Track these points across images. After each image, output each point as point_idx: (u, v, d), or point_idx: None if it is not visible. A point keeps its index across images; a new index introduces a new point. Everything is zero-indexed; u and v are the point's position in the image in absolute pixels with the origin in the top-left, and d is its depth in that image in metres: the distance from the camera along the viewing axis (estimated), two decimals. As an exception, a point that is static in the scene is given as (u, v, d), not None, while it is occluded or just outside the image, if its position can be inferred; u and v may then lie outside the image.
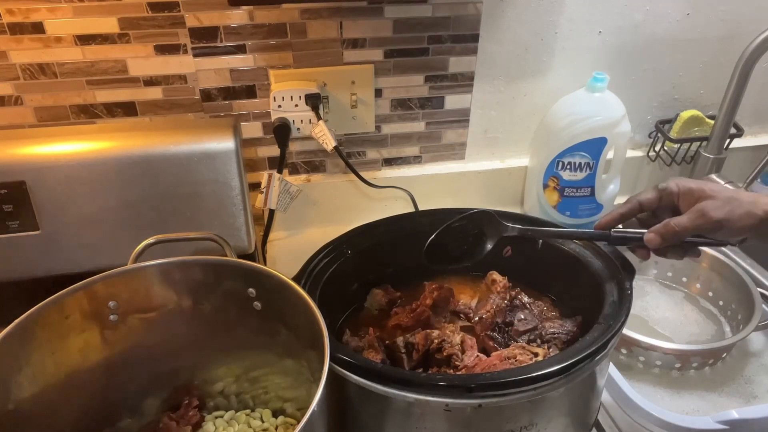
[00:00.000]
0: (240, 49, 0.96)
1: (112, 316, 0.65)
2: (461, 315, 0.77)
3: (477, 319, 0.74)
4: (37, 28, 0.88)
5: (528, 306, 0.75)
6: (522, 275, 0.81)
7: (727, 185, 0.64)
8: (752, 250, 1.09)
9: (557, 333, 0.70)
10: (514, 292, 0.77)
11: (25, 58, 0.90)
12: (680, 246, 0.66)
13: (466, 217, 0.71)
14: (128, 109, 0.97)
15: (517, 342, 0.70)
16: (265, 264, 1.04)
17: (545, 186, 1.10)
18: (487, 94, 1.10)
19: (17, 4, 0.86)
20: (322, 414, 0.51)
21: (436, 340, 0.68)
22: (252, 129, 1.04)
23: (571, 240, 0.76)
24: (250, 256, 0.95)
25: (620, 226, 0.69)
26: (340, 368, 0.58)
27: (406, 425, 0.58)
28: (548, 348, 0.68)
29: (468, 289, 0.83)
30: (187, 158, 0.86)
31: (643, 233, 0.66)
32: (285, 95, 0.98)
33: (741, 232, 0.62)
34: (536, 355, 0.65)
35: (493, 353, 0.68)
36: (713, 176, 1.12)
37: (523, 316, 0.73)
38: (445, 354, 0.67)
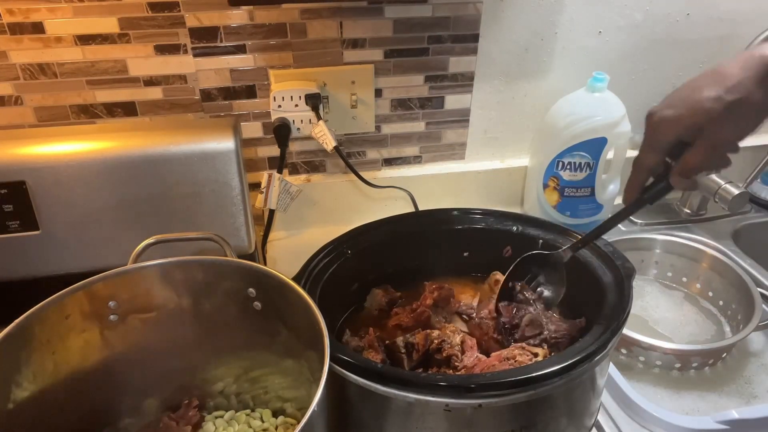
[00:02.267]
0: (240, 49, 0.96)
1: (112, 316, 0.65)
2: (463, 315, 0.77)
3: (478, 321, 0.74)
4: (37, 28, 0.88)
5: (532, 302, 0.74)
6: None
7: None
8: (752, 250, 1.09)
9: (559, 337, 0.69)
10: (518, 286, 0.76)
11: (25, 58, 0.90)
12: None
13: (515, 271, 0.74)
14: (128, 109, 0.98)
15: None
16: (265, 264, 1.04)
17: (545, 186, 1.10)
18: (487, 94, 1.10)
19: (17, 4, 0.86)
20: (322, 414, 0.51)
21: (436, 340, 0.68)
22: (252, 129, 1.04)
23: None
24: (250, 256, 0.95)
25: None
26: (340, 368, 0.58)
27: (406, 425, 0.58)
28: (550, 350, 0.68)
29: (469, 289, 0.83)
30: (187, 158, 0.86)
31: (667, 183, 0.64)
32: (285, 95, 0.98)
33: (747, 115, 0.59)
34: (536, 355, 0.65)
35: (493, 354, 0.68)
36: (713, 176, 1.12)
37: (531, 319, 0.72)
38: (444, 354, 0.67)
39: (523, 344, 0.69)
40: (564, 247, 0.72)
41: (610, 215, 0.68)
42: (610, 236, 1.02)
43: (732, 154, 0.61)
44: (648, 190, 0.66)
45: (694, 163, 0.60)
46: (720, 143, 0.59)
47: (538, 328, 0.71)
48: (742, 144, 0.62)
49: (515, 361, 0.64)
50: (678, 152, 0.61)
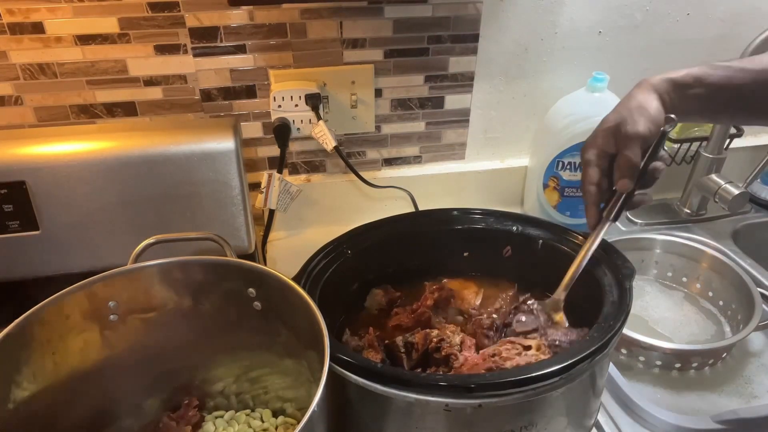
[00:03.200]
0: (240, 49, 0.96)
1: (112, 316, 0.65)
2: (464, 315, 0.77)
3: (474, 321, 0.74)
4: (37, 28, 0.88)
5: (534, 312, 0.74)
6: (522, 275, 0.81)
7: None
8: (752, 250, 1.09)
9: (560, 342, 0.69)
10: (523, 297, 0.76)
11: (25, 58, 0.90)
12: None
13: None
14: (128, 109, 0.98)
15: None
16: (265, 264, 1.04)
17: (545, 186, 1.10)
18: (487, 94, 1.10)
19: (17, 4, 0.86)
20: (322, 414, 0.51)
21: (434, 340, 0.68)
22: (252, 129, 1.04)
23: (567, 238, 0.77)
24: (250, 256, 0.95)
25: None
26: (340, 368, 0.58)
27: (406, 425, 0.58)
28: (549, 349, 0.68)
29: (469, 289, 0.82)
30: (187, 158, 0.86)
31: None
32: (285, 95, 0.98)
33: (660, 122, 0.66)
34: (528, 348, 0.65)
35: (481, 351, 0.68)
36: (713, 176, 1.13)
37: (523, 318, 0.72)
38: (443, 353, 0.67)
39: (512, 338, 0.68)
40: (558, 292, 0.72)
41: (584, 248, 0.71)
42: (610, 236, 1.02)
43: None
44: (605, 209, 0.70)
45: (624, 160, 0.66)
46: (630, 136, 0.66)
47: (532, 324, 0.70)
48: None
49: (500, 358, 0.64)
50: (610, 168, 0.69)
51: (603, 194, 0.70)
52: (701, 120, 0.98)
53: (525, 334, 0.70)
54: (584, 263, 0.71)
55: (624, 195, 0.68)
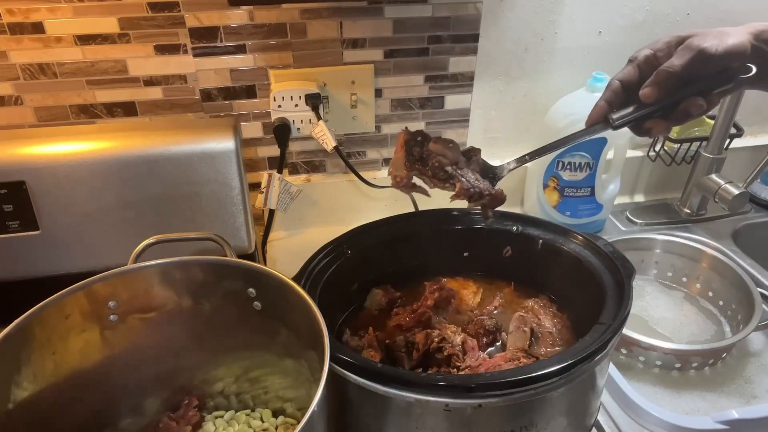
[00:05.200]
0: (240, 49, 0.96)
1: (112, 316, 0.65)
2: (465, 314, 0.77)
3: (475, 321, 0.74)
4: (37, 28, 0.88)
5: (473, 159, 0.68)
6: (522, 275, 0.81)
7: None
8: (752, 250, 1.09)
9: (470, 183, 0.64)
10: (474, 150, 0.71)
11: (25, 58, 0.90)
12: (679, 104, 0.60)
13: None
14: (128, 109, 0.98)
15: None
16: (265, 264, 1.04)
17: (545, 186, 1.10)
18: (487, 94, 1.10)
19: (17, 4, 0.86)
20: (322, 414, 0.51)
21: (436, 340, 0.68)
22: (252, 129, 1.04)
23: (567, 238, 0.76)
24: (250, 256, 0.95)
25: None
26: (340, 368, 0.58)
27: (406, 425, 0.58)
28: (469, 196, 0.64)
29: (469, 289, 0.83)
30: (187, 158, 0.86)
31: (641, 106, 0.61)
32: (285, 95, 0.98)
33: (734, 58, 0.59)
34: (538, 359, 0.65)
35: (497, 355, 0.68)
36: (713, 176, 1.13)
37: (451, 155, 0.66)
38: (445, 354, 0.67)
39: (525, 347, 0.69)
40: (510, 160, 0.68)
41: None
42: (610, 236, 1.03)
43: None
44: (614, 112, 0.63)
45: (665, 66, 0.59)
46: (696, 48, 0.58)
47: (450, 161, 0.65)
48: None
49: (519, 363, 0.64)
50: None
51: (625, 99, 0.62)
52: None
53: (443, 164, 0.65)
54: (556, 149, 0.66)
55: (641, 108, 0.61)
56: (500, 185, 0.67)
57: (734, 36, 0.59)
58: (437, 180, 0.66)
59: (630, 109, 0.62)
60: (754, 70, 0.59)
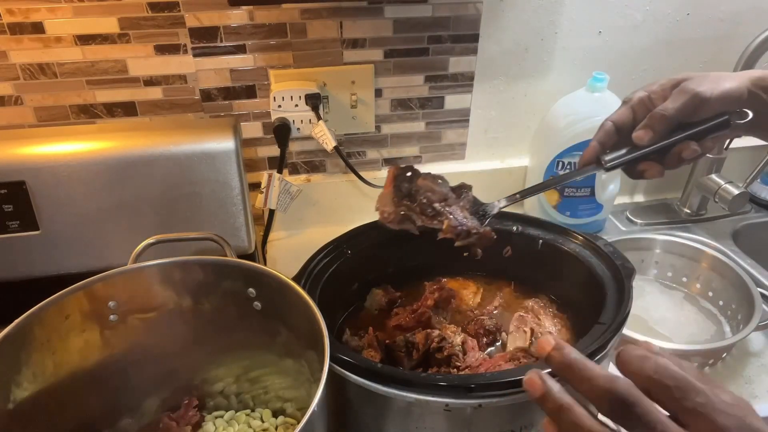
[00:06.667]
0: (240, 49, 0.96)
1: (112, 316, 0.65)
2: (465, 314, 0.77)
3: (475, 321, 0.74)
4: (37, 28, 0.88)
5: (463, 196, 0.69)
6: (522, 275, 0.81)
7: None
8: (752, 250, 1.09)
9: (458, 222, 0.65)
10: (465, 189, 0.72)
11: (25, 58, 0.90)
12: (674, 147, 0.60)
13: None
14: (128, 109, 0.98)
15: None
16: (265, 264, 1.04)
17: (545, 186, 1.10)
18: (487, 94, 1.10)
19: (17, 4, 0.86)
20: (322, 414, 0.51)
21: (436, 340, 0.68)
22: (252, 129, 1.04)
23: (567, 238, 0.76)
24: (250, 256, 0.95)
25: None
26: (340, 368, 0.58)
27: (406, 425, 0.58)
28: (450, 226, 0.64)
29: (469, 289, 0.83)
30: (187, 158, 0.86)
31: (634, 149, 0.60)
32: (285, 95, 0.98)
33: (730, 103, 0.58)
34: (537, 359, 0.65)
35: (497, 355, 0.68)
36: (713, 176, 1.13)
37: (443, 190, 0.66)
38: (445, 354, 0.67)
39: (525, 347, 0.68)
40: (501, 198, 0.68)
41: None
42: (610, 236, 1.03)
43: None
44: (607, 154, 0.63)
45: (659, 109, 0.59)
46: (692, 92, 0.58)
47: (439, 198, 0.65)
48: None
49: (519, 363, 0.64)
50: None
51: (617, 140, 0.62)
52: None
53: (431, 200, 0.65)
54: (547, 189, 0.66)
55: (633, 150, 0.60)
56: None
57: (730, 81, 0.59)
58: (425, 216, 0.66)
59: (623, 151, 0.62)
60: (750, 115, 0.59)
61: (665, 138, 0.60)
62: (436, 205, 0.65)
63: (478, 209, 0.67)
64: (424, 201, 0.66)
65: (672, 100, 0.59)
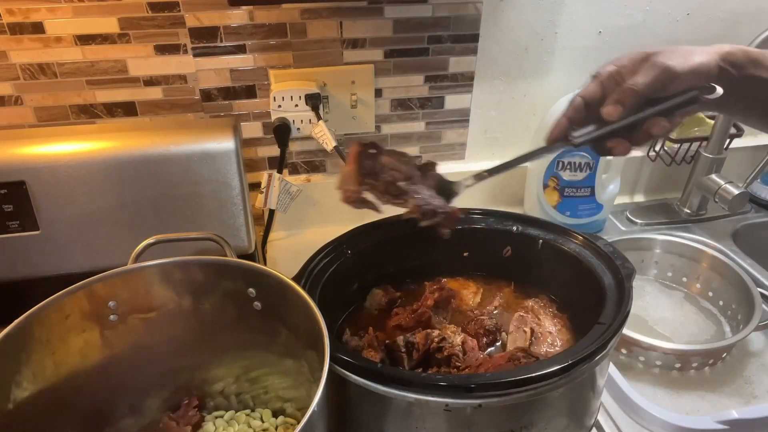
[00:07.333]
0: (240, 49, 0.96)
1: (112, 316, 0.65)
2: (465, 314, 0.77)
3: (475, 321, 0.74)
4: (37, 28, 0.88)
5: (431, 174, 0.67)
6: (522, 275, 0.81)
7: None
8: (752, 250, 1.09)
9: (424, 200, 0.62)
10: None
11: (25, 58, 0.90)
12: (641, 125, 0.58)
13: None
14: (128, 109, 0.98)
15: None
16: (265, 264, 1.04)
17: (545, 186, 1.10)
18: (487, 94, 1.10)
19: (17, 4, 0.86)
20: (322, 414, 0.51)
21: (436, 340, 0.68)
22: (252, 129, 1.04)
23: (567, 238, 0.76)
24: (250, 256, 0.95)
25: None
26: (340, 368, 0.58)
27: (406, 425, 0.58)
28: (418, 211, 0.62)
29: (469, 289, 0.83)
30: (187, 158, 0.86)
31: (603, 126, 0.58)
32: (285, 95, 0.98)
33: (699, 78, 0.57)
34: (537, 359, 0.65)
35: (497, 355, 0.68)
36: (713, 176, 1.13)
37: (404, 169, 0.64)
38: (445, 353, 0.67)
39: (525, 347, 0.68)
40: (468, 177, 0.65)
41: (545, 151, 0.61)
42: (610, 236, 1.03)
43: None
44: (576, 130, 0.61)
45: (628, 84, 0.57)
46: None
47: (404, 176, 0.63)
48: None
49: (519, 363, 0.64)
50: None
51: (586, 116, 0.60)
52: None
53: (396, 178, 0.63)
54: (515, 165, 0.64)
55: (602, 126, 0.59)
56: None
57: (700, 55, 0.58)
58: (389, 195, 0.63)
59: (591, 128, 0.60)
60: (720, 91, 0.57)
61: (634, 113, 0.59)
62: (401, 183, 0.63)
63: (444, 188, 0.65)
64: (389, 179, 0.63)
65: (642, 75, 0.57)
